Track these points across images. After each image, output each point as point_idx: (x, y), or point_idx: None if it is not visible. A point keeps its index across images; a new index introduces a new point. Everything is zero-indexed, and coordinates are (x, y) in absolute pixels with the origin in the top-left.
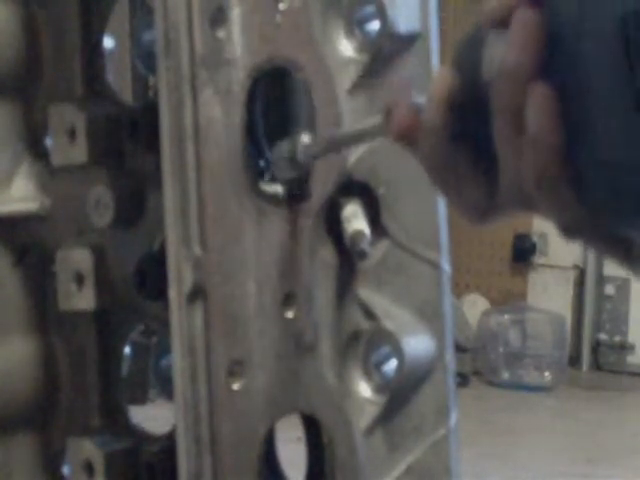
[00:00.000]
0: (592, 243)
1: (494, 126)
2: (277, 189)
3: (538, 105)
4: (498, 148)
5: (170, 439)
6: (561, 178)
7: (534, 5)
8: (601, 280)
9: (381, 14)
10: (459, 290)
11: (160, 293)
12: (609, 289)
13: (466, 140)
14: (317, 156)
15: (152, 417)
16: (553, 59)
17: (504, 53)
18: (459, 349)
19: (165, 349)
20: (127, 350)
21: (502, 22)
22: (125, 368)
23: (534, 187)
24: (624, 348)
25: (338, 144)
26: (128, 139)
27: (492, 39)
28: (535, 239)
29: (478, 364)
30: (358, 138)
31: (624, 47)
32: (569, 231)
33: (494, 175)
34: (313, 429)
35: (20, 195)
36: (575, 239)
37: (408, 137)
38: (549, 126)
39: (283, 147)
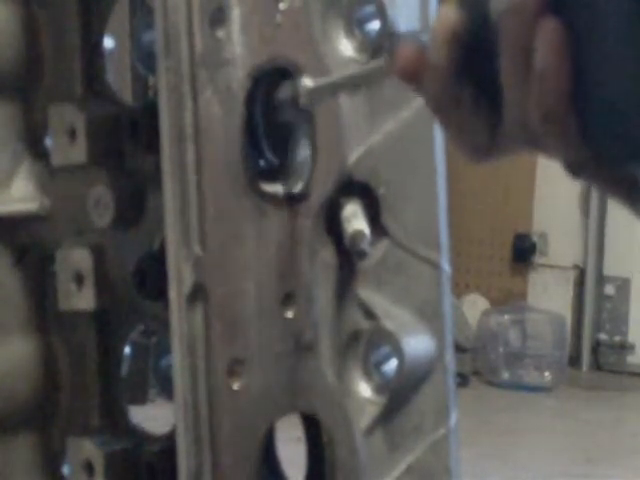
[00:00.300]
0: (596, 181)
1: (501, 63)
2: (277, 189)
3: (547, 40)
4: (504, 84)
5: (170, 439)
6: (567, 115)
7: None
8: (601, 280)
9: (381, 14)
10: (459, 290)
11: (160, 293)
12: (609, 289)
13: (471, 77)
14: (320, 100)
15: (152, 417)
16: None
17: None
18: (459, 349)
19: (165, 349)
20: (127, 350)
21: None
22: (125, 368)
23: (540, 124)
24: (624, 348)
25: (342, 87)
26: (128, 139)
27: None
28: (535, 239)
29: (478, 364)
30: (362, 80)
31: None
32: (573, 169)
33: (498, 112)
34: (313, 429)
35: (20, 195)
36: (579, 177)
37: (412, 75)
38: (557, 62)
39: (285, 90)
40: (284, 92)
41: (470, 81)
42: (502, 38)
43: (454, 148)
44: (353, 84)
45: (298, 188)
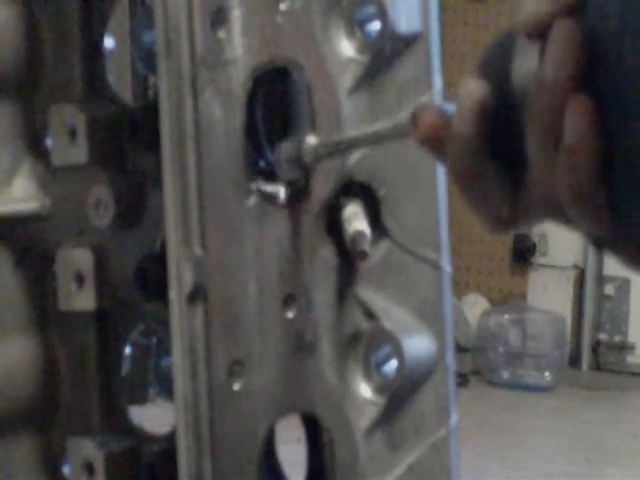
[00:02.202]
0: (623, 257)
1: (528, 137)
2: (277, 189)
3: (577, 118)
4: (531, 159)
5: (170, 439)
6: (597, 192)
7: (572, 14)
8: (601, 280)
9: (382, 15)
10: (459, 290)
11: (160, 293)
12: (609, 289)
13: (494, 149)
14: (326, 157)
15: (152, 417)
16: (593, 71)
17: (536, 63)
18: (459, 349)
19: (165, 349)
20: (127, 350)
21: (537, 31)
22: (125, 368)
23: (568, 200)
24: (624, 348)
25: (347, 147)
26: (128, 139)
27: (522, 47)
28: (535, 239)
29: (478, 364)
30: (376, 139)
31: None
32: (600, 244)
33: (521, 185)
34: (313, 429)
35: (20, 195)
36: (605, 251)
37: (435, 142)
38: (588, 139)
39: (287, 147)
40: (287, 150)
41: (493, 152)
42: (529, 113)
43: (475, 216)
44: (366, 143)
45: (298, 188)
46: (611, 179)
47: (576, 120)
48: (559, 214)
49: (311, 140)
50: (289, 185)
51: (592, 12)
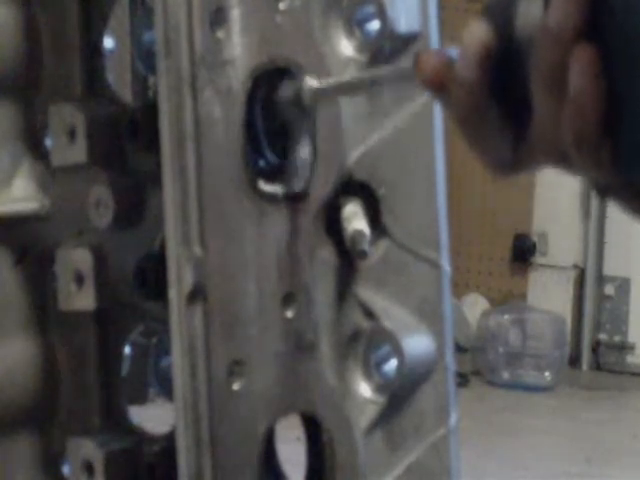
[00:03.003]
0: (625, 203)
1: (533, 84)
2: (277, 189)
3: (582, 66)
4: (536, 105)
5: (170, 439)
6: (600, 139)
7: None
8: (601, 280)
9: (381, 14)
10: (459, 290)
11: (160, 293)
12: (609, 289)
13: (497, 92)
14: (325, 99)
15: (152, 417)
16: (598, 20)
17: (540, 10)
18: (459, 349)
19: (165, 349)
20: (127, 350)
21: None
22: (125, 368)
23: (571, 146)
24: (624, 348)
25: (346, 90)
26: (128, 139)
27: None
28: (535, 239)
29: (478, 364)
30: (377, 82)
31: None
32: (602, 190)
33: (524, 128)
34: (313, 429)
35: (20, 195)
36: (607, 197)
37: (438, 85)
38: (592, 87)
39: (287, 88)
40: (286, 91)
41: (497, 97)
42: (535, 61)
43: (478, 160)
44: (358, 87)
45: (298, 188)
46: (615, 125)
47: (581, 68)
48: (562, 160)
49: (311, 82)
50: (287, 125)
51: None
